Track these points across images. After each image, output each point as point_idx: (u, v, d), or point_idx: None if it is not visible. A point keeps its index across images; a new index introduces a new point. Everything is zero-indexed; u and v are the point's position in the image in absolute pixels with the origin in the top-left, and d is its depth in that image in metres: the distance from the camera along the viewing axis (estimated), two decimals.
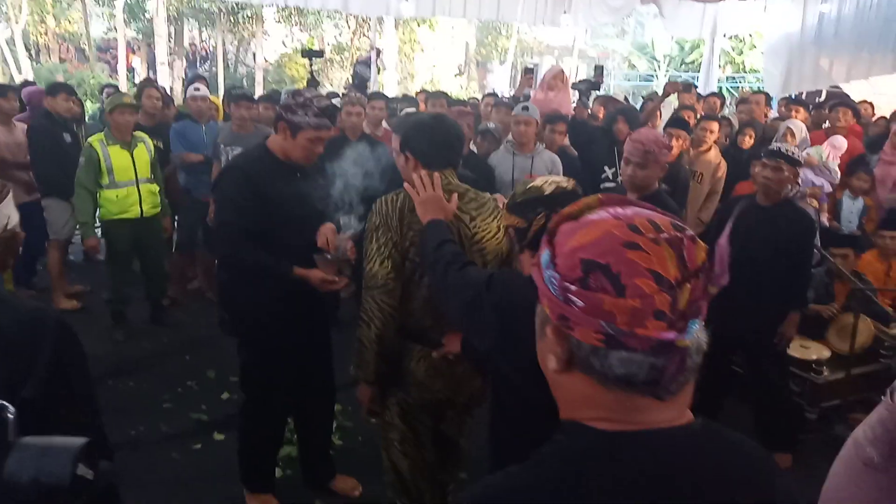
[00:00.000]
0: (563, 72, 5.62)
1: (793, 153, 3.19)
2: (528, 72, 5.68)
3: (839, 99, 6.55)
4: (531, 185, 1.72)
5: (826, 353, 3.65)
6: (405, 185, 2.06)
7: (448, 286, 1.76)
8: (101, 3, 17.15)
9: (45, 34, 17.36)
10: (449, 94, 6.00)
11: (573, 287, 0.73)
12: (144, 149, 4.55)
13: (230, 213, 2.52)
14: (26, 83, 7.61)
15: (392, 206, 2.10)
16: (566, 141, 4.69)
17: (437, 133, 2.10)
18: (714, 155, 4.92)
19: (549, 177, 1.77)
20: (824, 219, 4.90)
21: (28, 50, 15.27)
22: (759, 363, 3.38)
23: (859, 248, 4.49)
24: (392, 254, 2.07)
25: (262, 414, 2.76)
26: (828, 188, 4.96)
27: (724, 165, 4.91)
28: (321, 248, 2.53)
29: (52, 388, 1.44)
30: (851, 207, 5.00)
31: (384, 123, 5.24)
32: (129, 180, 4.45)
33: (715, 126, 4.93)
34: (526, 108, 4.27)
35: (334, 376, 2.96)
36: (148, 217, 4.58)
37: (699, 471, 0.76)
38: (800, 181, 4.76)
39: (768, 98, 6.19)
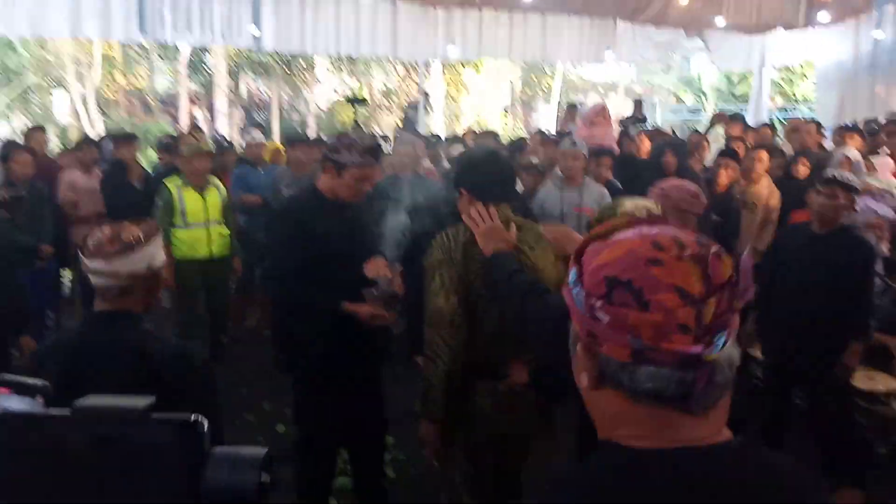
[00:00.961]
0: (605, 108, 5.69)
1: (848, 180, 3.15)
2: (572, 108, 5.76)
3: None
4: (623, 207, 1.72)
5: (895, 385, 3.51)
6: (464, 217, 2.11)
7: (530, 317, 1.78)
8: (164, 58, 18.21)
9: (115, 91, 18.48)
10: (496, 132, 6.14)
11: (598, 303, 0.75)
12: (216, 192, 4.79)
13: (278, 253, 2.67)
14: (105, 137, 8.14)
15: (454, 240, 2.13)
16: (611, 175, 4.72)
17: (489, 167, 2.17)
18: (766, 184, 4.86)
19: (638, 200, 1.76)
20: (884, 247, 4.74)
21: (99, 106, 16.26)
22: (820, 396, 3.27)
23: None
24: (458, 289, 2.09)
25: (314, 448, 2.80)
26: (891, 214, 4.80)
27: (776, 195, 4.84)
28: (371, 281, 2.57)
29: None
30: None
31: (425, 163, 5.37)
32: (201, 222, 4.68)
33: (764, 156, 4.88)
34: (574, 143, 4.34)
35: (385, 409, 2.98)
36: (217, 258, 4.79)
37: (731, 490, 0.74)
38: (858, 208, 4.65)
39: (819, 126, 6.07)
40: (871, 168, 5.14)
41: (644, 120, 6.24)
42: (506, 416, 2.18)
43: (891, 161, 5.07)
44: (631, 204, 1.77)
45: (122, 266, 1.59)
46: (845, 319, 3.12)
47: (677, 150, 4.68)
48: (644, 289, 0.73)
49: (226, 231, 4.85)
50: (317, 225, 2.58)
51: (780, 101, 16.34)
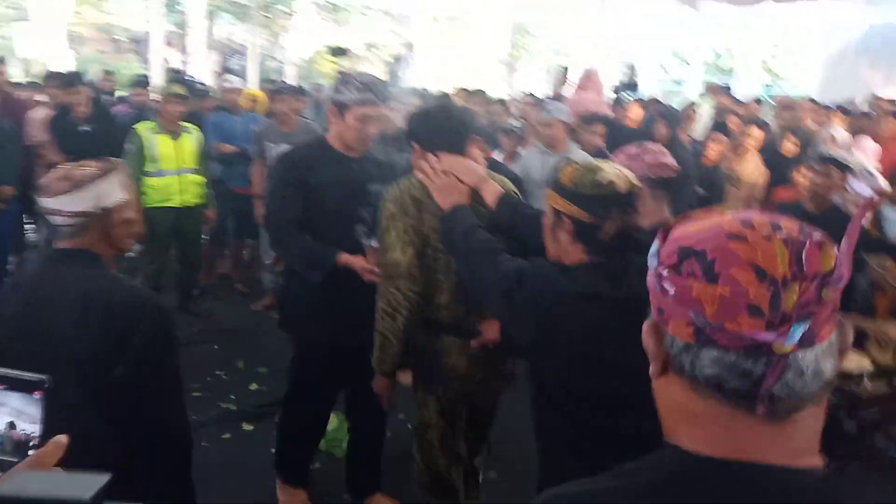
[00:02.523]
0: (595, 72, 5.56)
1: (843, 159, 3.11)
2: (562, 71, 5.63)
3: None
4: (601, 176, 1.51)
5: (867, 365, 3.55)
6: (416, 172, 2.04)
7: (482, 279, 1.69)
8: None
9: (84, 25, 17.68)
10: (485, 92, 5.97)
11: (666, 273, 0.69)
12: (190, 139, 4.59)
13: (275, 202, 2.57)
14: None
15: (404, 191, 2.07)
16: (602, 142, 4.64)
17: (441, 119, 2.07)
18: (754, 161, 4.83)
19: (617, 167, 1.57)
20: (865, 224, 4.78)
21: (68, 40, 15.54)
22: None
23: None
24: (413, 241, 2.04)
25: (304, 406, 2.72)
26: (869, 194, 4.83)
27: (764, 172, 4.82)
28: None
29: (143, 367, 1.51)
30: (894, 217, 4.86)
31: None
32: (173, 169, 4.49)
33: (756, 132, 4.84)
34: (549, 112, 4.24)
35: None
36: (189, 206, 4.61)
37: None
38: (850, 190, 4.66)
39: (815, 103, 6.03)
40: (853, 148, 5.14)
41: (636, 87, 6.12)
42: (479, 370, 2.16)
43: (872, 142, 5.07)
44: (612, 171, 1.56)
45: (69, 204, 1.55)
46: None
47: (669, 119, 4.60)
48: (717, 260, 0.65)
49: (199, 179, 4.66)
50: (316, 175, 2.47)
51: (765, 77, 16.34)
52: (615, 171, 1.56)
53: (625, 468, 0.73)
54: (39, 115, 5.13)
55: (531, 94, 6.46)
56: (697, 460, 0.69)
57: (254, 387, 3.90)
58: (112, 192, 1.60)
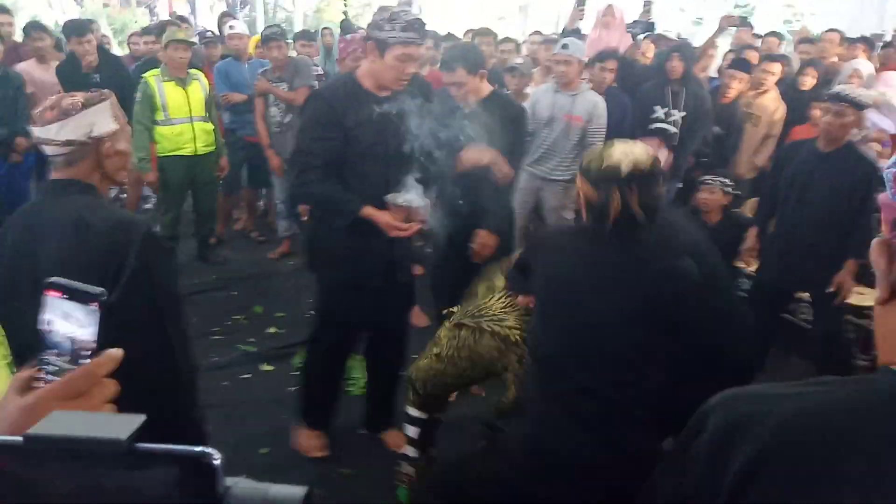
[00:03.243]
0: (613, 7, 5.38)
1: (857, 96, 3.02)
2: (580, 3, 5.44)
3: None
4: (611, 157, 1.67)
5: None
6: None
7: None
8: None
9: None
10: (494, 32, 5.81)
11: None
12: (199, 86, 4.54)
13: (305, 142, 2.44)
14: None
15: None
16: (613, 80, 4.53)
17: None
18: (773, 97, 4.71)
19: (630, 148, 1.70)
20: (883, 163, 4.68)
21: None
22: (819, 313, 3.30)
23: None
24: None
25: (327, 350, 2.73)
26: (893, 130, 4.71)
27: (782, 108, 4.70)
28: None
29: (135, 295, 1.50)
30: None
31: (430, 65, 5.08)
32: (183, 117, 4.47)
33: (777, 68, 4.70)
34: (566, 46, 4.11)
35: (408, 323, 2.92)
36: (202, 155, 4.60)
37: None
38: (868, 125, 4.54)
39: (843, 38, 5.81)
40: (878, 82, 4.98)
41: (652, 26, 5.92)
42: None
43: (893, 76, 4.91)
44: (620, 151, 1.68)
45: (58, 133, 1.57)
46: (845, 238, 3.06)
47: (685, 54, 4.47)
48: None
49: (210, 127, 4.64)
50: (349, 117, 2.35)
51: (786, 12, 15.75)
52: (623, 148, 1.68)
53: (827, 380, 0.70)
54: (25, 67, 4.97)
55: (538, 33, 6.28)
56: None
57: (272, 330, 3.97)
58: (101, 121, 1.61)
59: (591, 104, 4.10)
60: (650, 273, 1.66)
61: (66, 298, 0.70)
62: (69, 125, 1.57)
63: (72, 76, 4.61)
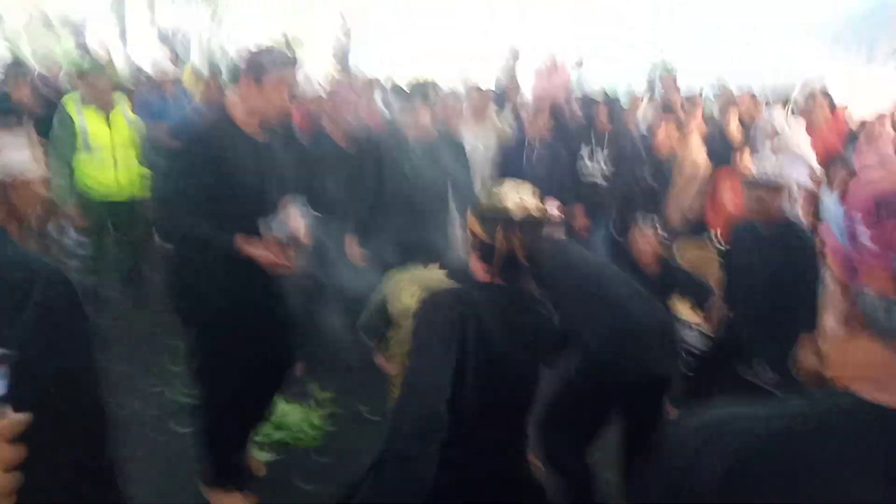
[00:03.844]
0: (561, 60, 5.58)
1: (767, 179, 2.99)
2: (513, 58, 5.62)
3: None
4: (499, 199, 1.72)
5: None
6: None
7: None
8: None
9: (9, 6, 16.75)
10: None
11: (861, 224, 0.70)
12: (123, 116, 4.36)
13: (173, 183, 2.31)
14: None
15: None
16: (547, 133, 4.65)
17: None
18: (696, 141, 4.93)
19: (522, 193, 1.74)
20: (801, 214, 4.94)
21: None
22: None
23: None
24: None
25: (223, 406, 2.50)
26: (805, 181, 4.99)
27: (703, 151, 4.93)
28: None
29: (39, 343, 1.34)
30: (830, 202, 5.03)
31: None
32: (106, 146, 4.25)
33: (699, 112, 4.97)
34: None
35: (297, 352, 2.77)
36: (126, 190, 4.36)
37: None
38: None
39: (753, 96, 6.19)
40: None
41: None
42: None
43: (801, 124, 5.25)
44: (513, 199, 1.72)
45: None
46: (794, 313, 2.98)
47: (611, 109, 4.68)
48: None
49: (134, 161, 4.38)
50: (225, 154, 2.24)
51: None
52: (517, 199, 1.71)
53: (793, 402, 0.74)
54: None
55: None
56: (881, 410, 0.69)
57: None
58: (12, 154, 1.47)
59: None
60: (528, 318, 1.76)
61: None
62: None
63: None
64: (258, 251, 2.23)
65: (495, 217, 1.70)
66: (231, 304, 2.29)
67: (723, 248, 4.25)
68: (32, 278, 1.39)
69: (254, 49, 2.37)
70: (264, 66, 2.28)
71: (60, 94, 4.78)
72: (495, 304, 1.71)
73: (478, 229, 1.74)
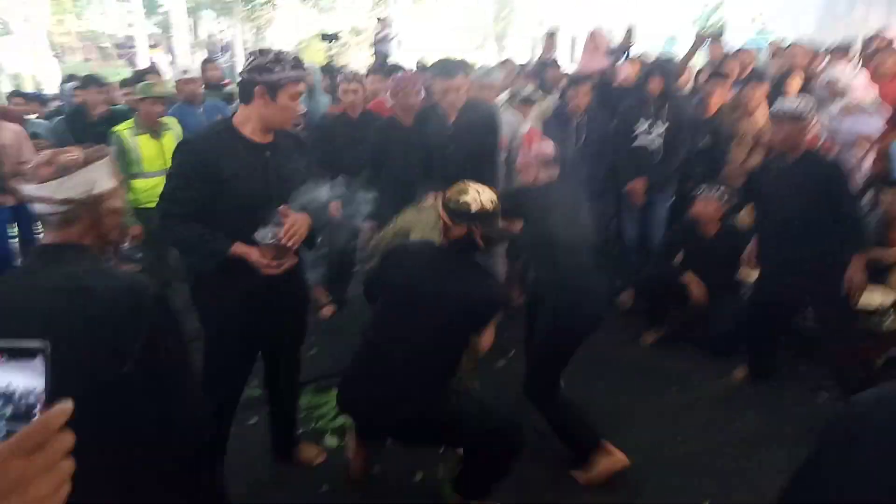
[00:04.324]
0: (600, 33, 5.44)
1: (793, 110, 3.11)
2: (551, 35, 5.52)
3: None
4: (464, 197, 2.31)
5: (890, 298, 3.52)
6: None
7: None
8: None
9: (67, 35, 17.57)
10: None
11: None
12: (172, 137, 4.48)
13: (169, 190, 2.34)
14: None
15: None
16: (586, 102, 4.56)
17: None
18: (762, 114, 4.71)
19: (482, 192, 2.33)
20: (868, 164, 4.73)
21: (54, 51, 15.44)
22: (828, 318, 3.29)
23: None
24: None
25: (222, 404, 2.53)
26: (877, 130, 4.76)
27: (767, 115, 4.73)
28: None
29: (148, 361, 1.41)
30: None
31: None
32: (158, 170, 4.36)
33: (760, 90, 4.70)
34: (489, 73, 4.35)
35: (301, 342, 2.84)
36: None
37: None
38: (842, 127, 4.60)
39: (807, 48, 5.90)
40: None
41: (626, 49, 6.01)
42: None
43: (863, 80, 5.00)
44: (472, 196, 2.33)
45: (56, 190, 1.46)
46: (836, 238, 3.09)
47: (663, 71, 4.52)
48: None
49: None
50: (223, 168, 2.26)
51: (756, 26, 16.10)
52: (476, 196, 2.31)
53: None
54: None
55: (508, 61, 6.37)
56: None
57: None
58: (100, 178, 1.52)
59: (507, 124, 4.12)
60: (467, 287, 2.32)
61: (6, 359, 0.67)
62: (68, 182, 1.47)
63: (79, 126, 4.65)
64: (252, 255, 2.29)
65: (460, 212, 2.31)
66: (234, 301, 2.37)
67: None
68: (141, 304, 1.43)
69: (263, 59, 2.24)
70: (279, 83, 2.25)
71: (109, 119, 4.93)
72: (435, 265, 2.37)
73: (446, 219, 2.35)
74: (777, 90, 4.93)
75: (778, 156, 3.31)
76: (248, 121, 2.34)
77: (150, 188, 4.38)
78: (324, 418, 3.32)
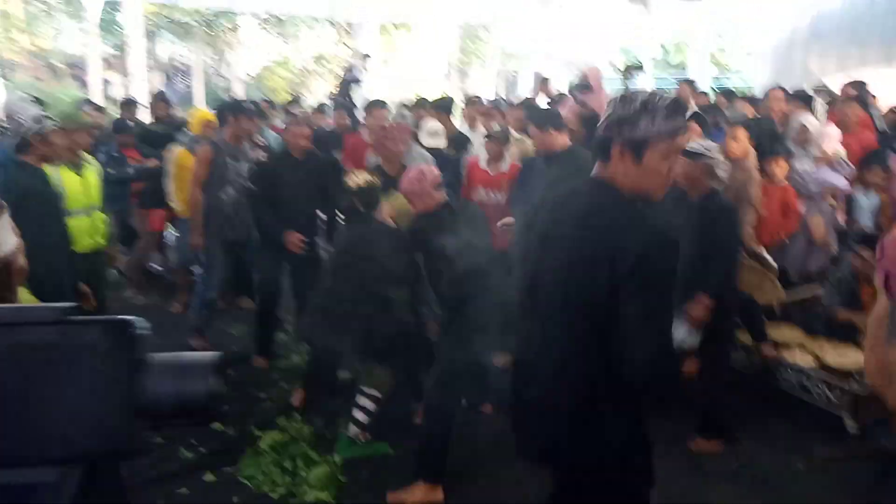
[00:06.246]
0: (597, 71, 5.40)
1: (694, 149, 3.26)
2: (545, 81, 5.51)
3: (829, 96, 6.34)
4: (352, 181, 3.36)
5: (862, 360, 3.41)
6: None
7: None
8: (71, 16, 16.73)
9: (16, 52, 16.92)
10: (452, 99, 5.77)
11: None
12: (93, 173, 4.04)
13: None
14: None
15: None
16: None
17: None
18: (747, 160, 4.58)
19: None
20: (840, 218, 4.70)
21: (1, 68, 14.81)
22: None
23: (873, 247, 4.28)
24: None
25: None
26: (845, 185, 4.75)
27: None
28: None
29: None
30: (865, 204, 4.79)
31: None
32: (81, 207, 3.89)
33: (741, 133, 4.57)
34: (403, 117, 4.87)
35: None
36: (100, 250, 4.09)
37: None
38: (810, 178, 4.56)
39: (785, 92, 5.92)
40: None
41: (589, 87, 5.98)
42: None
43: (836, 130, 5.03)
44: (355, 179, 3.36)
45: None
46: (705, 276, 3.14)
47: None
48: None
49: (104, 217, 4.10)
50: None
51: (714, 70, 16.58)
52: (356, 178, 3.39)
53: None
54: None
55: (478, 98, 6.26)
56: None
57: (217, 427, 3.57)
58: (5, 237, 1.30)
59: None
60: None
61: None
62: None
63: None
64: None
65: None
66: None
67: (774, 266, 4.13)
68: None
69: (621, 110, 1.71)
70: (645, 139, 1.69)
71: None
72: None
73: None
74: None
75: (680, 192, 3.36)
76: (625, 181, 1.77)
77: (74, 230, 3.79)
78: None
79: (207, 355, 0.73)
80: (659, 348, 1.61)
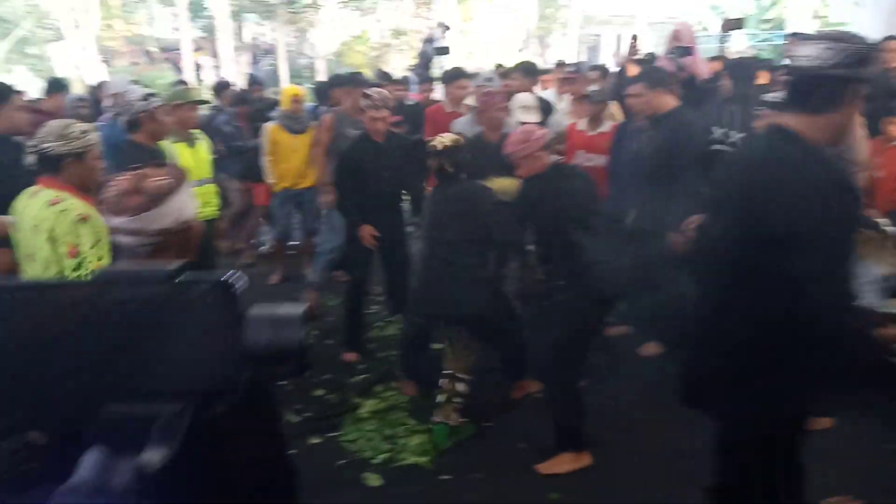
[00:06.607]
0: (689, 28, 5.08)
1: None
2: (634, 39, 5.27)
3: None
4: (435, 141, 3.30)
5: None
6: None
7: None
8: (163, 3, 17.46)
9: (115, 39, 17.87)
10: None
11: None
12: (205, 147, 4.23)
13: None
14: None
15: None
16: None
17: None
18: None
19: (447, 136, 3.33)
20: None
21: (101, 55, 15.68)
22: None
23: None
24: None
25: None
26: None
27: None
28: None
29: None
30: None
31: (469, 101, 4.85)
32: (192, 180, 4.14)
33: None
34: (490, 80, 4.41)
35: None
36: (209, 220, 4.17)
37: None
38: None
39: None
40: None
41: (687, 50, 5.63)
42: None
43: None
44: (439, 139, 3.28)
45: (150, 221, 1.30)
46: None
47: (734, 72, 4.16)
48: None
49: (216, 189, 4.31)
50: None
51: (815, 24, 15.44)
52: (442, 139, 3.28)
53: None
54: None
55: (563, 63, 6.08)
56: None
57: (318, 393, 3.72)
58: (189, 203, 1.37)
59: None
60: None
61: None
62: (161, 212, 1.31)
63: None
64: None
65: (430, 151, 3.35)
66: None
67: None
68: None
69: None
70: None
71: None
72: None
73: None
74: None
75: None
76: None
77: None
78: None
79: (298, 307, 0.81)
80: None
